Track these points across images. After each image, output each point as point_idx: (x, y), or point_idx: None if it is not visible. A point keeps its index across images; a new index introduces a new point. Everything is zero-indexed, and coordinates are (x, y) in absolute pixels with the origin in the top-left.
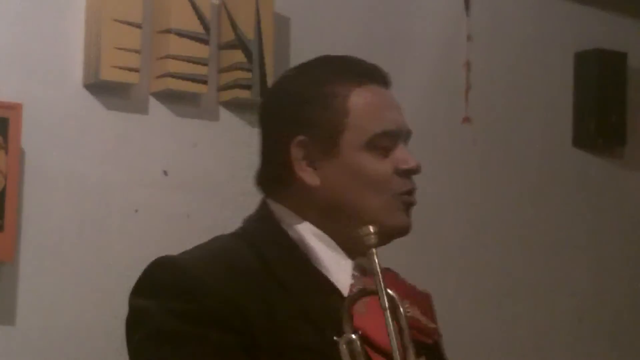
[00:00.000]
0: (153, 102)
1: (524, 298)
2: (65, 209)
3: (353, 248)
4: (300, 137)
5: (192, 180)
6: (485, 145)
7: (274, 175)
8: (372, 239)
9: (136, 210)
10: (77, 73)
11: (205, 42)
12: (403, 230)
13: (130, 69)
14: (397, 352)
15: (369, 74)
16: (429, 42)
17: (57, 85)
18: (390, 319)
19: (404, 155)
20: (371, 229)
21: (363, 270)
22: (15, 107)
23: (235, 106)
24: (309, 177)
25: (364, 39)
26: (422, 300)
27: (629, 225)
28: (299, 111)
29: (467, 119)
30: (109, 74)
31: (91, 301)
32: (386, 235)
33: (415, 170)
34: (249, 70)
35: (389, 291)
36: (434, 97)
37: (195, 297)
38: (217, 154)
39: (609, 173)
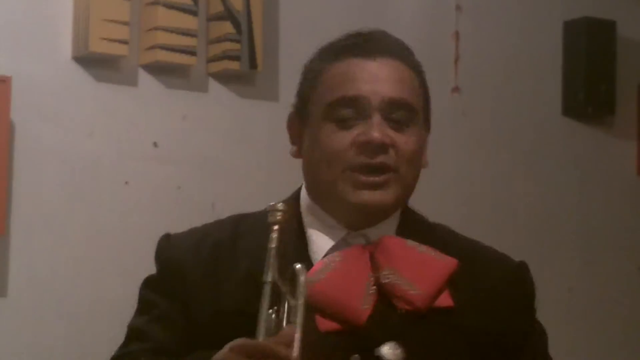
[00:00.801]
0: (142, 74)
1: None
2: (56, 181)
3: (344, 218)
4: (291, 111)
5: (182, 152)
6: (474, 115)
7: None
8: (275, 216)
9: (126, 183)
10: (66, 46)
11: (194, 13)
12: (358, 207)
13: (120, 41)
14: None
15: (350, 48)
16: (417, 13)
17: (46, 58)
18: (268, 293)
19: (366, 127)
20: (279, 205)
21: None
22: (5, 80)
23: (224, 77)
24: (294, 149)
25: (352, 9)
26: (428, 268)
27: (618, 192)
28: (297, 88)
29: (456, 89)
30: (98, 47)
31: (82, 272)
32: (350, 211)
33: (372, 143)
34: (237, 41)
35: (298, 266)
36: (423, 67)
37: (158, 269)
38: (207, 125)
39: (599, 142)
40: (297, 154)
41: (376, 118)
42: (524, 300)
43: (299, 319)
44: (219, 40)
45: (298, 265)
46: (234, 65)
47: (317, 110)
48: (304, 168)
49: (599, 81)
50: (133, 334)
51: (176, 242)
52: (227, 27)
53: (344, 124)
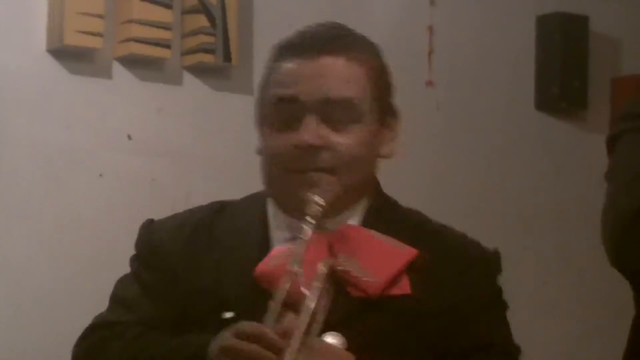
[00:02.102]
0: (117, 67)
1: None
2: (31, 173)
3: (293, 210)
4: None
5: (157, 145)
6: (448, 109)
7: None
8: (315, 209)
9: (101, 175)
10: (40, 38)
11: (168, 6)
12: (294, 209)
13: (94, 34)
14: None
15: (294, 47)
16: (392, 6)
17: (21, 51)
18: (287, 282)
19: (299, 130)
20: (319, 200)
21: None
22: None
23: (198, 71)
24: (258, 146)
25: (327, 3)
26: (385, 256)
27: (591, 187)
28: None
29: (430, 83)
30: (72, 39)
31: (58, 264)
32: (296, 209)
33: (301, 146)
34: (212, 34)
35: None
36: (397, 60)
37: (140, 246)
38: (181, 118)
39: (572, 136)
40: (259, 151)
41: (310, 119)
42: (486, 285)
43: (303, 316)
44: (193, 33)
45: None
46: (208, 59)
47: (265, 110)
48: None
49: (572, 76)
50: (120, 301)
51: (158, 226)
52: (202, 21)
53: (284, 125)
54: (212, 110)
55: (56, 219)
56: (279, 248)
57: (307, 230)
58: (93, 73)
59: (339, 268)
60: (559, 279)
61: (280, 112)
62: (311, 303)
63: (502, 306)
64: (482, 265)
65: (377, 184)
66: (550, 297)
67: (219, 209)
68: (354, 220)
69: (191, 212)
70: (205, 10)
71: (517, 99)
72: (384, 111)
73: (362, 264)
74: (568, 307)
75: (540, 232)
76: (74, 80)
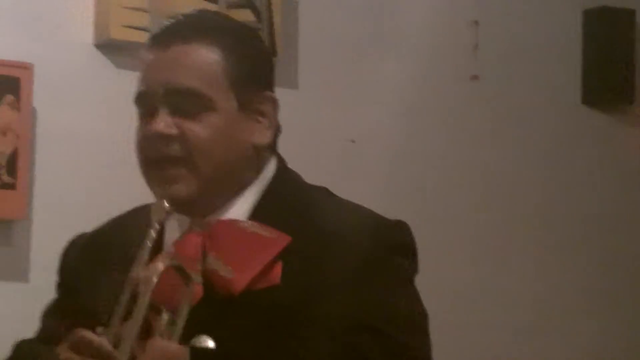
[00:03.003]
0: None
1: (532, 256)
2: (76, 167)
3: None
4: None
5: None
6: (493, 103)
7: None
8: (160, 215)
9: None
10: (87, 32)
11: (214, 1)
12: (169, 202)
13: (140, 28)
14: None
15: (151, 39)
16: (437, 1)
17: (67, 45)
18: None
19: (153, 120)
20: (165, 205)
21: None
22: (27, 67)
23: None
24: None
25: None
26: (253, 249)
27: (637, 181)
28: None
29: (475, 77)
30: (118, 33)
31: None
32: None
33: (148, 137)
34: (257, 29)
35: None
36: (442, 55)
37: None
38: None
39: (618, 130)
40: None
41: (162, 111)
42: (364, 260)
43: (136, 316)
44: None
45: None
46: None
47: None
48: None
49: (619, 70)
50: (40, 317)
51: (77, 239)
52: (247, 15)
53: (144, 118)
54: None
55: (100, 212)
56: (162, 254)
57: (151, 237)
58: (139, 67)
59: (208, 268)
60: (603, 273)
61: (139, 106)
62: (142, 299)
63: (394, 282)
64: (368, 238)
65: (277, 169)
66: (594, 290)
67: (125, 215)
68: (240, 212)
69: (97, 228)
70: (251, 4)
71: (563, 93)
72: (249, 98)
73: (226, 261)
74: (612, 316)
75: (585, 226)
76: (120, 74)
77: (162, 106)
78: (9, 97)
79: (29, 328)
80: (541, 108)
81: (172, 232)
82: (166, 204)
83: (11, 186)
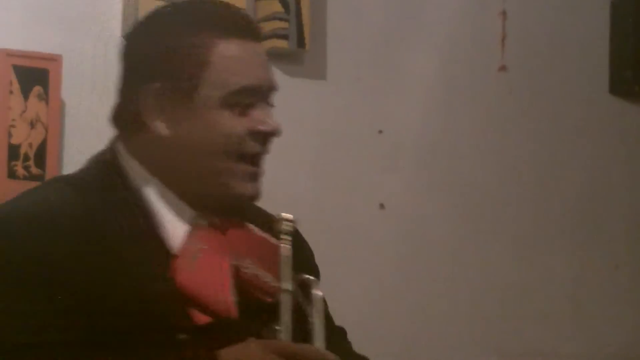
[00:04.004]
0: None
1: (560, 246)
2: None
3: (200, 203)
4: (156, 85)
5: None
6: (521, 94)
7: (125, 119)
8: (289, 226)
9: None
10: (116, 24)
11: None
12: (239, 199)
13: None
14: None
15: (237, 27)
16: None
17: (96, 37)
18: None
19: (262, 116)
20: (289, 216)
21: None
22: (56, 59)
23: (272, 56)
24: (159, 126)
25: None
26: (272, 255)
27: None
28: (159, 57)
29: (503, 68)
30: None
31: None
32: (225, 201)
33: (272, 133)
34: (286, 20)
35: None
36: (470, 46)
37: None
38: None
39: None
40: (169, 133)
41: (263, 106)
42: None
43: (317, 333)
44: (267, 19)
45: (310, 277)
46: (282, 44)
47: (212, 94)
48: (172, 149)
49: None
50: None
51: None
52: (276, 6)
53: (241, 110)
54: (285, 95)
55: None
56: (189, 248)
57: (286, 249)
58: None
59: (245, 271)
60: (631, 264)
61: (241, 99)
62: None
63: None
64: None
65: None
66: (621, 282)
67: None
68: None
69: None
70: None
71: (590, 84)
72: None
73: (261, 265)
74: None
75: (613, 217)
76: None
77: (263, 102)
78: (38, 89)
79: None
80: (569, 98)
81: (173, 223)
82: (291, 217)
83: (40, 178)
